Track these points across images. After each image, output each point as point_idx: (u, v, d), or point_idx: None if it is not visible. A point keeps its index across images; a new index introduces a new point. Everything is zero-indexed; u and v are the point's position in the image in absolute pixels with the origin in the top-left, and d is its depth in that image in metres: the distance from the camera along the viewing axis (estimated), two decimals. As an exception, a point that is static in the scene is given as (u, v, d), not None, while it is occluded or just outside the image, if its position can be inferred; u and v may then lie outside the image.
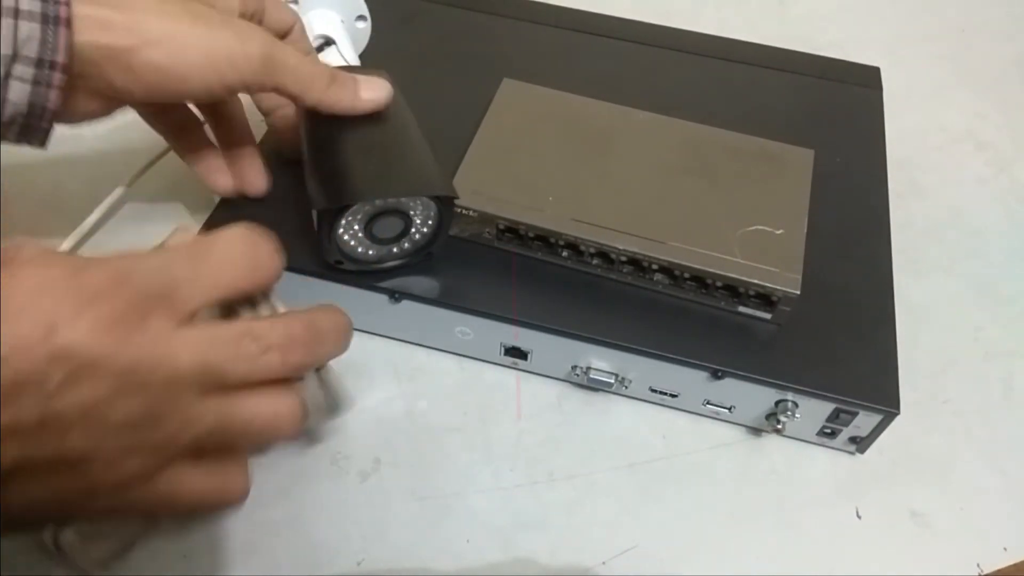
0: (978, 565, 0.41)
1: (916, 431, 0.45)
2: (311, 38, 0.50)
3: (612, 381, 0.44)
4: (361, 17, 0.54)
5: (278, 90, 0.39)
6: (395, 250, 0.43)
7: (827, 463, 0.44)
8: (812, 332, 0.43)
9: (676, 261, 0.43)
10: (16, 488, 0.27)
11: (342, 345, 0.34)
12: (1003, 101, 0.67)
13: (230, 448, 0.32)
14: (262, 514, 0.40)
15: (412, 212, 0.42)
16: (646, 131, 0.49)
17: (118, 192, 0.51)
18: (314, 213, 0.41)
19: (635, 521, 0.41)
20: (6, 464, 0.26)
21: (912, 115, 0.64)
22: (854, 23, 0.74)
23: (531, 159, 0.47)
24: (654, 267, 0.43)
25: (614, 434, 0.44)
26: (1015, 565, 0.41)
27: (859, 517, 0.42)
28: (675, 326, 0.43)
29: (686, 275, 0.43)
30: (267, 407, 0.31)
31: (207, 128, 0.47)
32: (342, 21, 0.52)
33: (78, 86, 0.36)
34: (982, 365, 0.49)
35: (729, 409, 0.44)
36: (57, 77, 0.35)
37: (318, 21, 0.51)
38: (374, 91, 0.42)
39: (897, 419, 0.41)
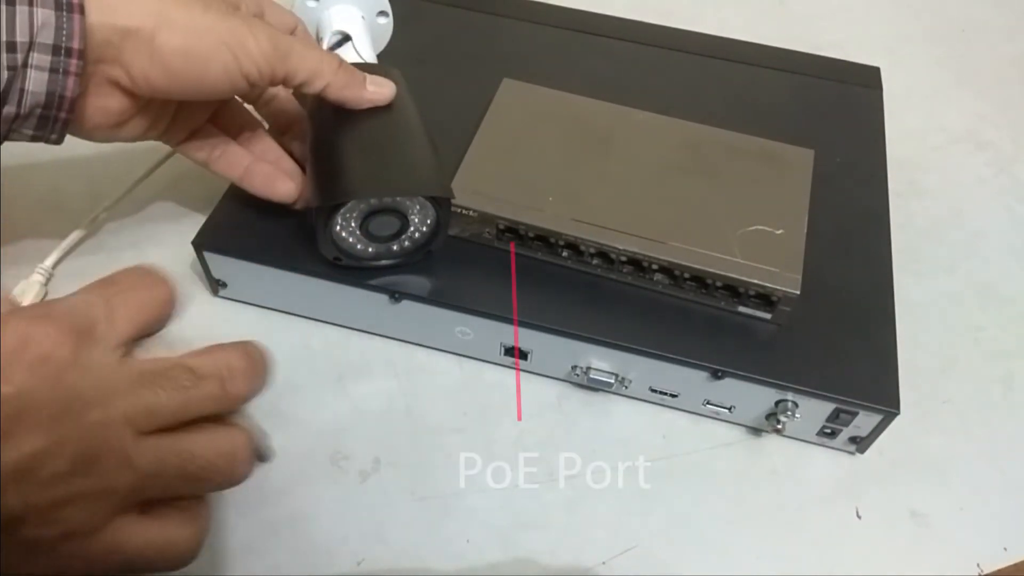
0: (978, 565, 0.41)
1: (916, 431, 0.45)
2: (330, 33, 0.50)
3: (612, 381, 0.44)
4: (383, 13, 0.53)
5: (287, 80, 0.40)
6: (394, 248, 0.43)
7: (827, 463, 0.44)
8: (812, 332, 0.43)
9: (676, 261, 0.43)
10: None
11: (267, 380, 0.33)
12: (1003, 101, 0.67)
13: (179, 498, 0.31)
14: (262, 514, 0.40)
15: (410, 212, 0.42)
16: (646, 131, 0.49)
17: (76, 235, 0.49)
18: (313, 208, 0.41)
19: (635, 521, 0.41)
20: None
21: (912, 115, 0.64)
22: (854, 23, 0.74)
23: (531, 159, 0.47)
24: (654, 267, 0.43)
25: (614, 434, 0.44)
26: (1015, 565, 0.41)
27: (859, 517, 0.42)
28: (675, 326, 0.43)
29: (686, 275, 0.43)
30: (208, 443, 0.30)
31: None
32: (363, 17, 0.52)
33: (95, 74, 0.37)
34: (982, 365, 0.49)
35: (729, 409, 0.44)
36: (74, 64, 0.35)
37: (338, 16, 0.51)
38: (380, 85, 0.43)
39: (897, 419, 0.41)
